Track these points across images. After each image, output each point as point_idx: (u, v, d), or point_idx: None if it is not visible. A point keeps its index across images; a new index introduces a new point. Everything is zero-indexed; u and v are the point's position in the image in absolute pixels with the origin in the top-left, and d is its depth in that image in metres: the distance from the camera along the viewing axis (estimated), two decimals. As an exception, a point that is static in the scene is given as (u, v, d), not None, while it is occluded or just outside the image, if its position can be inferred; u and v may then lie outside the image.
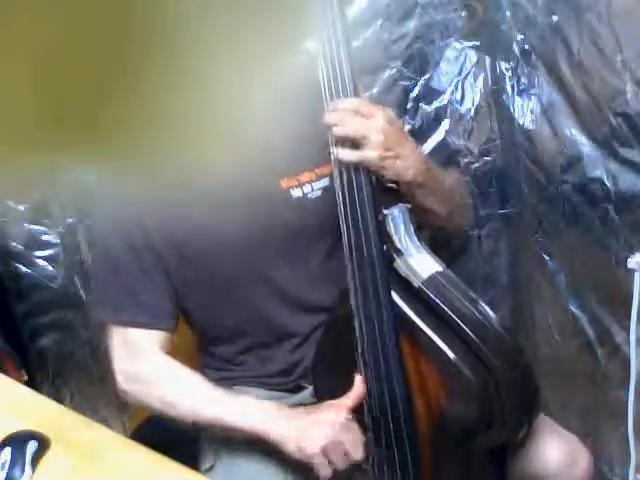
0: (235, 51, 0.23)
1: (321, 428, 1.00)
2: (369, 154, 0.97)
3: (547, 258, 1.38)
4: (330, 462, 0.99)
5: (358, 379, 1.03)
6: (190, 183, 0.29)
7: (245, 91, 0.25)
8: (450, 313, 0.98)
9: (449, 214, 1.13)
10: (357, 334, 1.02)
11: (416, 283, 1.00)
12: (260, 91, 0.25)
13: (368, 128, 0.97)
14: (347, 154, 0.98)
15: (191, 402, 1.06)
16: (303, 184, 1.09)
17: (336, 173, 1.01)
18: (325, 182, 1.10)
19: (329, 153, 1.00)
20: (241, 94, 0.25)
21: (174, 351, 1.14)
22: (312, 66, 0.98)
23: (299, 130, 0.84)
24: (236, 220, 1.06)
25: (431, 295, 0.99)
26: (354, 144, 0.98)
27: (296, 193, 1.09)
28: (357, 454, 1.00)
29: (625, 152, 1.16)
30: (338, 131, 0.98)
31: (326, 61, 0.98)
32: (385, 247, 1.01)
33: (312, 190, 1.09)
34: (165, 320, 1.12)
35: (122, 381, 1.10)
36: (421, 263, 1.02)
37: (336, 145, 0.99)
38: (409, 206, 1.04)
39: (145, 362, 1.11)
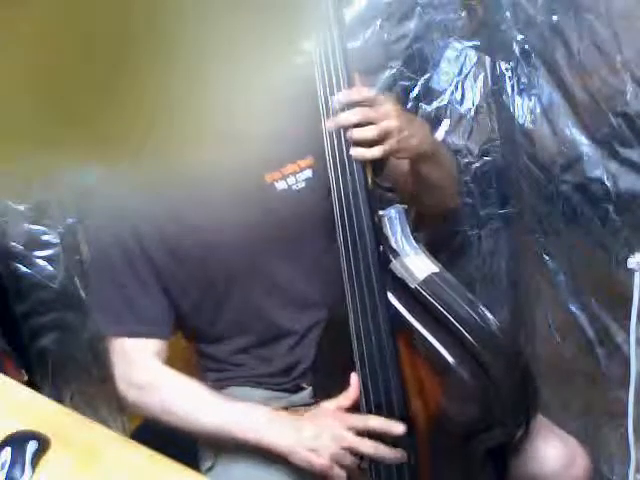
0: (232, 50, 0.23)
1: (325, 442, 0.99)
2: (390, 143, 0.97)
3: (547, 258, 1.38)
4: (343, 467, 0.99)
5: (354, 379, 1.03)
6: (182, 182, 0.29)
7: (240, 90, 0.25)
8: (446, 314, 0.98)
9: (449, 185, 1.17)
10: (353, 336, 1.02)
11: (412, 284, 0.99)
12: (254, 90, 0.25)
13: (382, 117, 0.97)
14: (367, 151, 0.98)
15: (191, 410, 1.06)
16: (287, 176, 1.09)
17: (332, 174, 1.00)
18: (308, 173, 1.10)
19: (321, 146, 1.00)
20: (236, 93, 0.25)
21: (171, 355, 1.14)
22: (304, 64, 0.98)
23: (283, 124, 0.83)
24: (226, 218, 1.05)
25: (427, 296, 0.99)
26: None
27: (281, 185, 1.09)
28: (368, 449, 1.00)
29: (625, 152, 1.16)
30: (357, 133, 0.97)
31: (321, 63, 0.98)
32: (381, 248, 1.01)
33: (296, 182, 1.09)
34: (161, 328, 1.12)
35: (123, 389, 1.10)
36: (417, 264, 1.02)
37: (353, 144, 0.98)
38: (405, 207, 1.04)
39: (143, 371, 1.10)
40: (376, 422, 1.01)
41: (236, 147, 0.27)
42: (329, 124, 0.99)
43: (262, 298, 1.12)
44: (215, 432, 1.05)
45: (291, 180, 1.09)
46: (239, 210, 1.05)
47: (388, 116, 0.98)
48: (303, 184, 1.09)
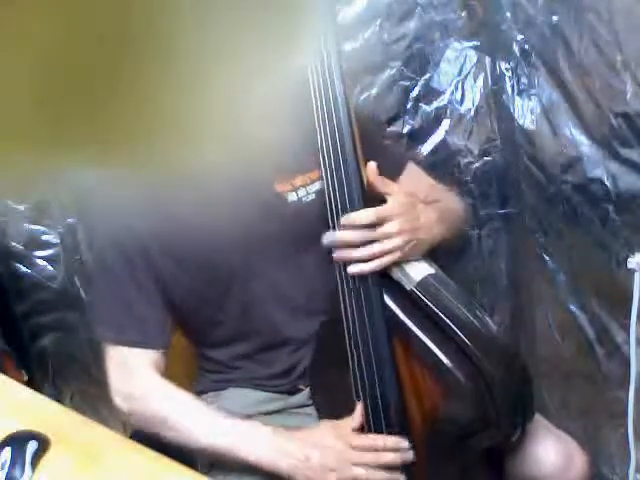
0: (236, 54, 0.23)
1: (330, 464, 0.99)
2: (393, 256, 0.98)
3: (547, 258, 1.38)
4: None
5: (359, 408, 1.03)
6: (186, 186, 0.29)
7: (244, 95, 0.25)
8: (443, 316, 0.97)
9: (456, 232, 1.17)
10: (349, 338, 1.01)
11: (408, 286, 0.99)
12: (259, 95, 0.25)
13: (386, 236, 0.98)
14: (365, 265, 0.98)
15: (188, 427, 1.04)
16: (297, 188, 1.09)
17: (326, 177, 1.00)
18: (318, 185, 1.09)
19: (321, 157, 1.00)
20: (240, 97, 0.24)
21: (171, 356, 1.14)
22: (308, 71, 0.98)
23: (292, 134, 0.83)
24: (233, 225, 1.05)
25: (423, 298, 0.98)
26: None
27: (291, 197, 1.09)
28: (375, 476, 1.00)
29: (625, 152, 1.16)
30: (355, 254, 0.98)
31: (317, 73, 0.98)
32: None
33: (307, 194, 1.09)
34: (160, 339, 1.10)
35: (120, 400, 1.09)
36: (413, 266, 1.02)
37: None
38: None
39: (140, 381, 1.09)
40: (384, 441, 1.01)
41: (240, 150, 0.27)
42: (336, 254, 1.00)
43: (264, 305, 1.11)
44: (213, 451, 1.03)
45: (302, 192, 1.09)
46: (244, 216, 1.05)
47: (390, 235, 0.98)
48: (313, 196, 1.09)
